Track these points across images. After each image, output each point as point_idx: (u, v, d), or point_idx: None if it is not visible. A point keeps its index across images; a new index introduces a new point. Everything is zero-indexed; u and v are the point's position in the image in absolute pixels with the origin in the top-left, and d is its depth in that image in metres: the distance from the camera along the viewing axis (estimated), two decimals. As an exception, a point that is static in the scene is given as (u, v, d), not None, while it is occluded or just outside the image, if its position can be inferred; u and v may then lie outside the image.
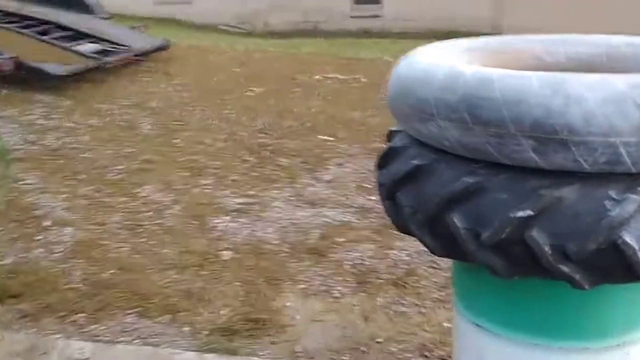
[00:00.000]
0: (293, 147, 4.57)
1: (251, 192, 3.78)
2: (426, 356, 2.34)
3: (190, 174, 4.05)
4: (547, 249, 1.07)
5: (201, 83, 6.21)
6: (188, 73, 6.55)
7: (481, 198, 1.14)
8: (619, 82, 1.02)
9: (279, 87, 6.18)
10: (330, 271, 2.92)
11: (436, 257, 3.05)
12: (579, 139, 1.02)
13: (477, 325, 1.41)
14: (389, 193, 1.32)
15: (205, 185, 3.89)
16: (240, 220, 3.41)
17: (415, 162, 1.25)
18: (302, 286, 2.79)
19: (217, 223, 3.38)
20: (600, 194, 1.07)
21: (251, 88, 6.09)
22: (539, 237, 1.07)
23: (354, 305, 2.67)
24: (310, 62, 7.27)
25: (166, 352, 2.36)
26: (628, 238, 1.04)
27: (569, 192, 1.07)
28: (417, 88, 1.21)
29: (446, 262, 2.98)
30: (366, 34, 10.66)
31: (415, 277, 2.85)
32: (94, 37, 6.38)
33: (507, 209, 1.09)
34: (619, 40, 1.54)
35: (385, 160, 1.39)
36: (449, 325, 2.53)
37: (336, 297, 2.73)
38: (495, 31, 10.56)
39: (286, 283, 2.79)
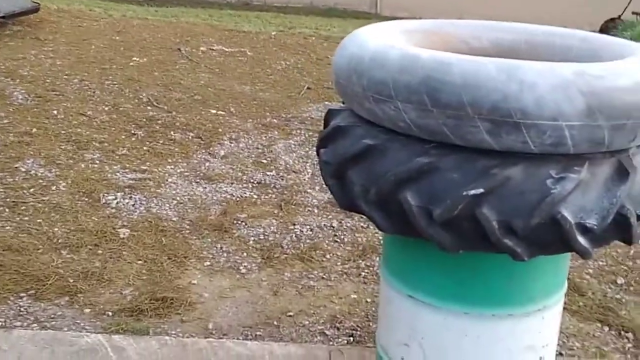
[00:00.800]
0: (184, 121, 4.44)
1: (143, 167, 3.63)
2: (337, 327, 2.42)
3: (75, 147, 3.80)
4: (495, 224, 1.15)
5: (77, 50, 5.82)
6: (61, 39, 6.10)
7: (434, 177, 1.19)
8: (566, 70, 1.11)
9: (163, 57, 5.95)
10: (234, 247, 2.90)
11: (339, 232, 3.10)
12: (530, 122, 1.10)
13: (411, 297, 1.48)
14: (337, 172, 1.34)
15: (91, 159, 3.68)
16: (134, 196, 3.27)
17: (367, 141, 1.28)
18: (208, 263, 2.75)
19: (110, 200, 3.22)
20: (543, 173, 1.16)
21: (134, 58, 5.80)
22: (488, 213, 1.15)
23: (262, 281, 2.68)
24: (193, 32, 7.05)
25: (69, 336, 2.23)
26: (566, 213, 1.14)
27: (515, 172, 1.16)
28: (372, 69, 1.23)
29: (349, 237, 3.07)
30: (247, 6, 10.49)
31: (320, 251, 2.91)
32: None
33: (460, 188, 1.15)
34: (537, 29, 1.66)
35: (329, 139, 1.41)
36: (355, 296, 2.62)
37: (243, 273, 2.72)
38: (372, 10, 10.87)
39: (190, 260, 2.74)
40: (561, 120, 1.09)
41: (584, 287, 2.73)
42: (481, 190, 1.14)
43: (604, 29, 8.62)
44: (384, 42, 1.29)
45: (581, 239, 1.16)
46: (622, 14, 9.12)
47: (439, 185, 1.18)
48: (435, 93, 1.14)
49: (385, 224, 1.27)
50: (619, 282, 2.80)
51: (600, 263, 2.95)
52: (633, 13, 8.97)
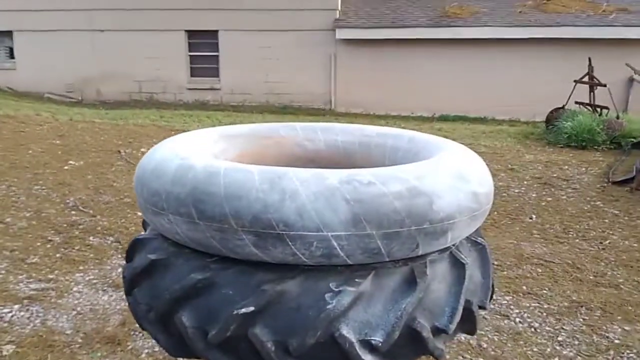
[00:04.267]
0: (107, 224, 4.34)
1: (50, 276, 3.48)
2: None
3: (-18, 257, 3.65)
4: (270, 345, 1.06)
5: (12, 156, 5.78)
6: (-2, 145, 6.07)
7: (210, 295, 1.11)
8: (332, 177, 1.06)
9: (101, 160, 5.93)
10: (126, 361, 2.73)
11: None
12: (294, 233, 1.03)
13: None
14: (128, 289, 1.25)
15: (-3, 269, 3.52)
16: (32, 308, 3.11)
17: (152, 256, 1.20)
18: (90, 382, 2.56)
19: (4, 313, 3.05)
20: (322, 287, 1.08)
21: (70, 162, 5.77)
22: (262, 333, 1.06)
23: (149, 398, 2.49)
24: (138, 133, 7.09)
25: None
26: (345, 331, 1.05)
27: (291, 286, 1.08)
28: (151, 181, 1.18)
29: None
30: (203, 105, 10.68)
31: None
32: None
33: (232, 306, 1.07)
34: (371, 130, 1.63)
35: (130, 252, 1.33)
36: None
37: (130, 390, 2.54)
38: (327, 106, 11.12)
39: (72, 380, 2.56)
40: (326, 230, 1.03)
41: (488, 391, 2.59)
42: (252, 308, 1.05)
43: (550, 119, 8.87)
44: (172, 152, 1.24)
45: (368, 358, 1.07)
46: (565, 103, 9.42)
47: (214, 304, 1.10)
48: (201, 205, 1.07)
49: (168, 346, 1.17)
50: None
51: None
52: (576, 102, 9.27)
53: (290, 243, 1.03)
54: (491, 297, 1.31)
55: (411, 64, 10.84)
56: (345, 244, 1.04)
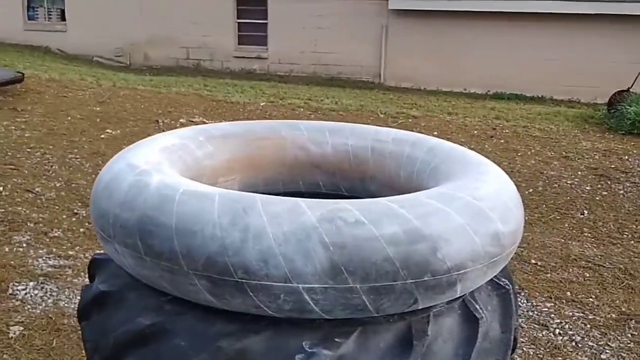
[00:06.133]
0: (134, 199, 4.22)
1: (70, 252, 3.39)
2: None
3: (6, 228, 3.60)
4: (224, 415, 0.86)
5: (51, 122, 5.75)
6: (38, 110, 6.06)
7: (160, 343, 0.91)
8: (311, 213, 0.84)
9: (138, 129, 5.84)
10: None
11: None
12: (256, 282, 0.82)
13: None
14: (80, 317, 1.07)
15: (19, 242, 3.46)
16: (47, 286, 3.02)
17: (102, 286, 1.01)
18: (93, 374, 2.45)
19: (19, 290, 2.97)
20: (292, 346, 0.87)
21: (107, 130, 5.70)
22: (214, 400, 0.86)
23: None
24: (179, 102, 6.97)
25: None
26: (317, 405, 0.84)
27: (254, 343, 0.87)
28: (102, 199, 0.98)
29: None
30: (249, 74, 10.51)
31: None
32: None
33: (184, 361, 0.87)
34: (387, 135, 1.39)
35: (90, 272, 1.15)
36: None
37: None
38: (376, 80, 10.78)
39: (74, 370, 2.45)
40: (296, 282, 0.81)
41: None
42: (203, 369, 0.86)
43: (612, 102, 8.32)
44: (134, 162, 1.04)
45: None
46: (631, 86, 8.83)
47: (164, 355, 0.90)
48: (149, 238, 0.87)
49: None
50: (563, 409, 2.42)
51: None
52: (643, 85, 8.66)
53: (251, 294, 0.83)
54: (512, 352, 1.07)
55: (466, 37, 10.35)
56: (321, 298, 0.82)
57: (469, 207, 0.91)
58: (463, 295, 0.97)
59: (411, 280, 0.83)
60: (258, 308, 0.84)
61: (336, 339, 0.86)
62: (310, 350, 0.86)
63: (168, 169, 1.02)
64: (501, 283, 1.08)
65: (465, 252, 0.87)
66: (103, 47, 11.23)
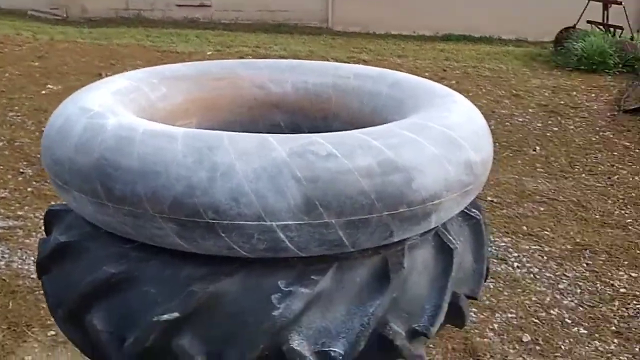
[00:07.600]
0: (83, 155, 4.07)
1: (19, 213, 3.27)
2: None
3: (-52, 192, 3.43)
4: (200, 359, 0.83)
5: (-13, 79, 5.45)
6: (-28, 67, 5.73)
7: (127, 292, 0.87)
8: (281, 148, 0.80)
9: (80, 84, 5.55)
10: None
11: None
12: (228, 222, 0.78)
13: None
14: (40, 271, 1.02)
15: (-37, 205, 3.31)
16: (-3, 248, 2.91)
17: (62, 238, 0.96)
18: (52, 332, 2.39)
19: (-33, 254, 2.86)
20: (267, 286, 0.85)
21: (48, 86, 5.45)
22: (190, 345, 0.83)
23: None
24: (121, 54, 6.71)
25: None
26: (297, 342, 0.83)
27: (228, 285, 0.84)
28: (55, 144, 0.92)
29: None
30: (193, 23, 10.16)
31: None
32: None
33: (153, 309, 0.84)
34: (348, 70, 1.35)
35: (47, 225, 1.09)
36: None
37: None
38: (324, 25, 10.61)
39: (33, 329, 2.38)
40: (269, 219, 0.78)
41: (482, 348, 2.42)
42: (176, 314, 0.82)
43: (559, 39, 8.41)
44: (86, 104, 0.97)
45: (326, 373, 0.85)
46: (577, 22, 8.94)
47: (132, 304, 0.86)
48: (109, 181, 0.82)
49: (84, 349, 0.95)
50: (524, 339, 2.49)
51: (509, 315, 2.65)
52: (588, 22, 8.78)
53: (223, 235, 0.79)
54: (485, 280, 1.08)
55: (414, -21, 10.23)
56: (296, 235, 0.79)
57: (441, 136, 0.89)
58: (436, 227, 0.96)
59: (387, 213, 0.81)
60: (231, 249, 0.80)
61: (312, 277, 0.84)
62: (286, 289, 0.83)
63: (123, 111, 0.95)
64: (472, 214, 1.07)
65: (439, 182, 0.85)
66: (38, 0, 10.64)
